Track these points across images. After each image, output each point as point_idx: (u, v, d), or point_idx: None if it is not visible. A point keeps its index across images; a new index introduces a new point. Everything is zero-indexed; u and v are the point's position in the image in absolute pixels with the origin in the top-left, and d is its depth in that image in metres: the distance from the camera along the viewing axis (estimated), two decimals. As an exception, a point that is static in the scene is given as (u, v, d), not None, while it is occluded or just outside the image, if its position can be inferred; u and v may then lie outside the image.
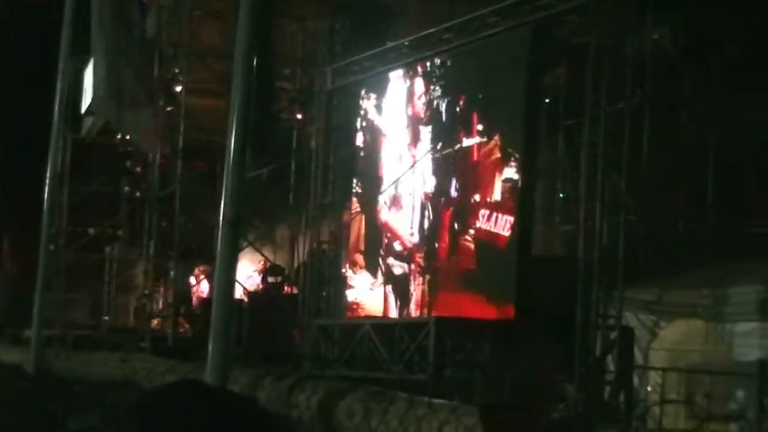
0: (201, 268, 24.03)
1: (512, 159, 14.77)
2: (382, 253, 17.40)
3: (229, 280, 6.93)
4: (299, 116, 22.15)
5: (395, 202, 17.33)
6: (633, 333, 13.60)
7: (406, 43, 17.20)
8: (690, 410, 12.51)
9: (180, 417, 2.02)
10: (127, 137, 25.87)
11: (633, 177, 13.86)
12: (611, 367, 13.17)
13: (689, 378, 13.01)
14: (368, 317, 17.11)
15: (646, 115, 14.95)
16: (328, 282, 18.48)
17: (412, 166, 16.92)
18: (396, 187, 17.35)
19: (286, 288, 21.93)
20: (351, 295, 18.00)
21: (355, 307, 17.82)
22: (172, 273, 22.46)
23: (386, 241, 17.41)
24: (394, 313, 16.89)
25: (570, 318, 13.14)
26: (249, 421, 2.06)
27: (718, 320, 12.98)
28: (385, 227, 17.48)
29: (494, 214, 14.92)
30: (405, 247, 16.94)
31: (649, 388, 13.22)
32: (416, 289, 16.46)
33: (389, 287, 17.06)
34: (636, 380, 13.30)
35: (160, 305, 23.45)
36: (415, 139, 17.02)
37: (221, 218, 6.89)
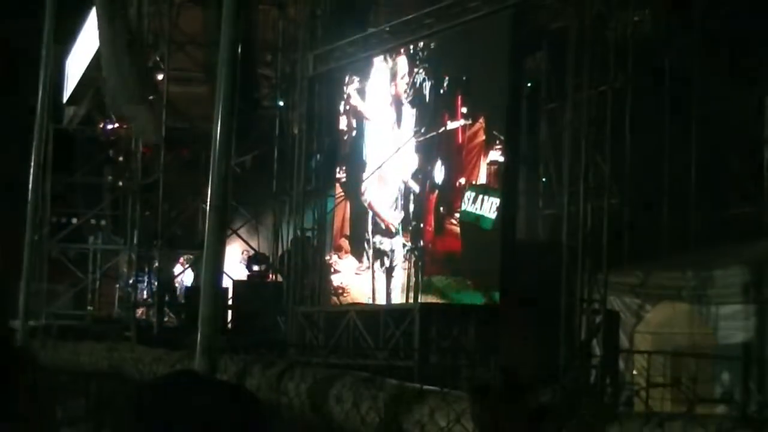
0: (185, 256, 24.01)
1: (497, 141, 14.78)
2: (368, 234, 17.39)
3: (217, 267, 6.93)
4: (281, 103, 22.10)
5: (380, 183, 17.33)
6: (618, 317, 13.65)
7: (388, 29, 17.19)
8: (676, 393, 12.56)
9: (178, 408, 2.02)
10: (109, 126, 25.84)
11: (616, 160, 13.88)
12: (597, 351, 13.22)
13: (675, 361, 13.07)
14: (353, 304, 17.12)
15: (629, 98, 14.99)
16: (313, 269, 18.49)
17: (397, 151, 16.92)
18: (381, 170, 17.35)
19: (270, 276, 21.92)
20: (336, 280, 18.00)
21: (340, 291, 17.83)
22: (156, 262, 22.41)
23: (371, 222, 17.41)
24: (381, 294, 16.89)
25: (555, 302, 13.18)
26: (243, 410, 2.06)
27: (702, 303, 13.04)
28: (370, 207, 17.47)
29: (479, 197, 14.94)
30: (389, 226, 16.93)
31: (635, 372, 13.28)
32: (402, 271, 16.46)
33: (377, 265, 17.04)
34: (622, 364, 13.35)
35: (145, 295, 23.42)
36: (399, 121, 17.02)
37: (208, 205, 6.88)
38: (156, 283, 22.36)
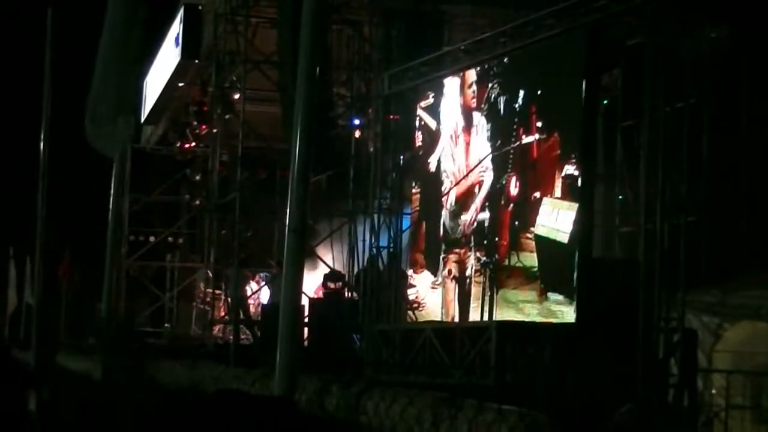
0: (261, 275, 24.21)
1: (572, 156, 14.75)
2: (442, 250, 17.45)
3: (295, 287, 6.99)
4: (356, 121, 22.23)
5: (455, 198, 17.38)
6: (696, 335, 13.50)
7: (462, 48, 17.22)
8: (757, 415, 12.40)
9: (222, 427, 2.04)
10: (186, 146, 26.12)
11: (693, 178, 13.76)
12: (674, 370, 13.09)
13: (755, 381, 12.90)
14: (429, 322, 17.13)
15: (706, 115, 14.86)
16: (389, 287, 18.54)
17: (471, 170, 16.94)
18: (456, 185, 17.40)
19: (346, 293, 22.02)
20: (412, 294, 18.09)
21: (416, 306, 17.90)
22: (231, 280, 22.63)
23: (444, 237, 17.47)
24: (455, 310, 16.91)
25: (631, 321, 13.07)
26: (291, 427, 2.07)
27: (782, 322, 12.87)
28: (444, 222, 17.55)
29: (555, 211, 14.92)
30: (465, 236, 16.98)
31: (713, 392, 13.12)
32: (476, 285, 16.46)
33: (449, 280, 17.08)
34: (700, 384, 13.21)
35: (222, 312, 23.63)
36: (472, 134, 17.06)
37: (287, 227, 6.96)
38: (231, 301, 22.55)
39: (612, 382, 12.48)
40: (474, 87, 17.00)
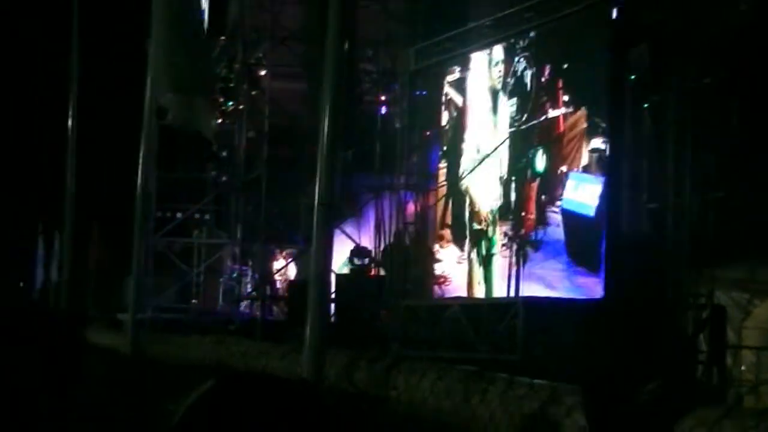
0: (288, 251, 24.24)
1: (599, 129, 14.71)
2: (467, 225, 17.44)
3: (324, 262, 7.00)
4: (382, 98, 22.19)
5: (481, 174, 17.35)
6: (725, 311, 13.45)
7: (488, 23, 17.15)
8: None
9: (242, 409, 1.99)
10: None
11: (721, 152, 13.68)
12: (703, 346, 13.05)
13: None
14: (456, 298, 17.13)
15: (734, 88, 14.74)
16: (415, 263, 18.53)
17: (499, 146, 16.90)
18: (481, 161, 17.37)
19: (372, 270, 22.03)
20: (438, 269, 18.10)
21: (442, 280, 17.92)
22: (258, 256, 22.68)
23: (469, 210, 17.48)
24: (480, 285, 16.91)
25: (660, 297, 13.03)
26: (310, 411, 2.02)
27: (812, 297, 12.81)
28: (470, 197, 17.54)
29: (581, 184, 14.89)
30: (485, 217, 16.96)
31: (743, 368, 13.08)
32: (503, 260, 16.45)
33: (474, 255, 17.09)
34: (729, 360, 13.16)
35: (248, 288, 23.69)
36: (499, 110, 17.03)
37: (316, 201, 6.95)
38: (257, 277, 22.60)
39: (639, 358, 12.45)
40: (501, 66, 16.94)
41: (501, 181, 16.77)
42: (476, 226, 17.26)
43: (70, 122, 18.15)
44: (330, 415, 2.01)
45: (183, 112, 14.53)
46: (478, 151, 17.49)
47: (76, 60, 17.78)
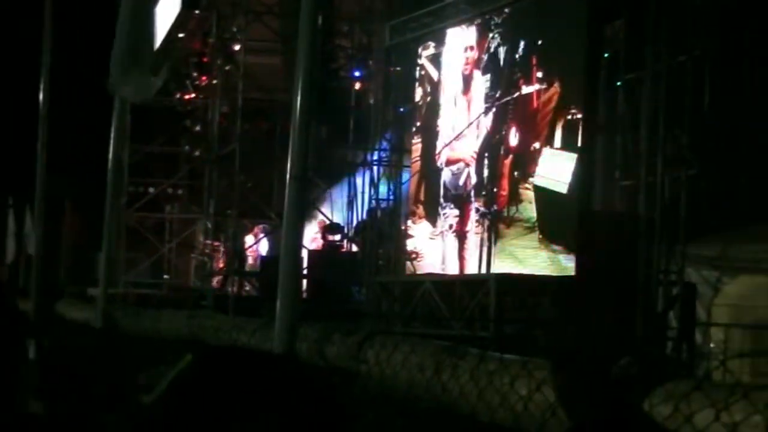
0: (260, 226, 24.19)
1: (573, 107, 14.73)
2: (441, 200, 17.44)
3: (296, 237, 6.97)
4: (357, 73, 22.13)
5: (453, 149, 17.34)
6: (695, 289, 13.52)
7: (464, -1, 17.12)
8: (755, 367, 12.43)
9: (224, 384, 1.97)
10: (187, 97, 26.01)
11: (695, 131, 13.72)
12: (674, 323, 13.12)
13: (754, 334, 12.93)
14: (429, 274, 17.15)
15: (708, 67, 14.78)
16: (388, 239, 18.54)
17: (471, 124, 16.88)
18: (455, 138, 17.36)
19: (345, 246, 22.03)
20: (410, 245, 18.10)
21: (414, 256, 17.92)
22: (231, 231, 22.63)
23: (443, 188, 17.47)
24: (452, 260, 16.92)
25: (632, 274, 13.08)
26: (293, 385, 2.00)
27: (782, 275, 12.87)
28: (443, 173, 17.54)
29: (554, 160, 14.90)
30: (464, 191, 16.96)
31: (712, 345, 13.16)
32: (475, 236, 16.46)
33: (448, 231, 17.09)
34: (699, 337, 13.24)
35: (221, 264, 23.64)
36: (472, 88, 17.01)
37: (288, 175, 6.92)
38: (230, 252, 22.54)
39: (611, 334, 12.50)
40: (481, 46, 16.90)
41: (473, 158, 16.76)
42: (450, 206, 17.24)
43: (41, 92, 17.98)
44: (310, 389, 2.00)
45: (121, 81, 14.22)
46: (453, 128, 17.47)
47: (49, 28, 17.60)
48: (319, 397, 1.98)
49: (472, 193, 16.74)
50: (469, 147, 16.93)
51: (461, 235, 16.84)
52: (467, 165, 16.92)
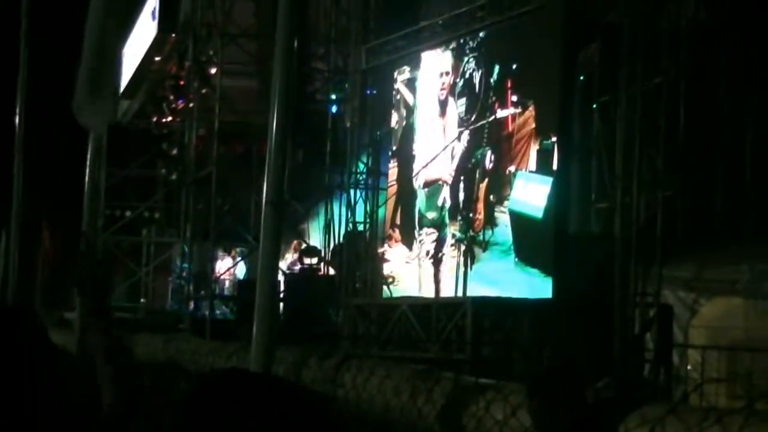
0: (237, 250, 24.14)
1: (547, 130, 14.78)
2: (416, 225, 17.48)
3: (273, 261, 6.97)
4: (333, 96, 22.15)
5: (429, 173, 17.39)
6: (672, 311, 13.56)
7: (440, 22, 17.18)
8: (731, 389, 12.45)
9: (228, 409, 1.98)
10: (163, 120, 25.99)
11: (670, 152, 13.78)
12: (651, 345, 13.14)
13: (730, 356, 12.96)
14: (406, 298, 17.15)
15: (682, 90, 14.87)
16: (365, 262, 18.53)
17: (446, 147, 16.93)
18: (431, 160, 17.40)
19: (322, 269, 21.99)
20: (387, 269, 18.11)
21: (390, 280, 17.94)
22: (209, 254, 22.56)
23: (419, 212, 17.51)
24: (428, 284, 16.94)
25: (608, 296, 13.11)
26: (297, 410, 2.02)
27: (758, 297, 12.92)
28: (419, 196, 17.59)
29: (529, 184, 14.95)
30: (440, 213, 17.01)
31: (689, 367, 13.18)
32: (451, 260, 16.49)
33: (424, 255, 17.12)
34: (676, 359, 13.27)
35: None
36: (447, 112, 17.06)
37: (264, 200, 6.92)
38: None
39: (589, 357, 12.53)
40: (450, 75, 16.98)
41: (449, 182, 16.80)
42: (425, 231, 17.27)
43: (17, 117, 17.93)
44: (309, 409, 2.01)
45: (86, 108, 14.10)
46: (429, 152, 17.50)
47: (25, 54, 17.57)
48: (321, 419, 2.00)
49: (447, 217, 16.77)
50: (445, 168, 16.97)
51: (437, 260, 16.86)
52: (445, 183, 16.96)
